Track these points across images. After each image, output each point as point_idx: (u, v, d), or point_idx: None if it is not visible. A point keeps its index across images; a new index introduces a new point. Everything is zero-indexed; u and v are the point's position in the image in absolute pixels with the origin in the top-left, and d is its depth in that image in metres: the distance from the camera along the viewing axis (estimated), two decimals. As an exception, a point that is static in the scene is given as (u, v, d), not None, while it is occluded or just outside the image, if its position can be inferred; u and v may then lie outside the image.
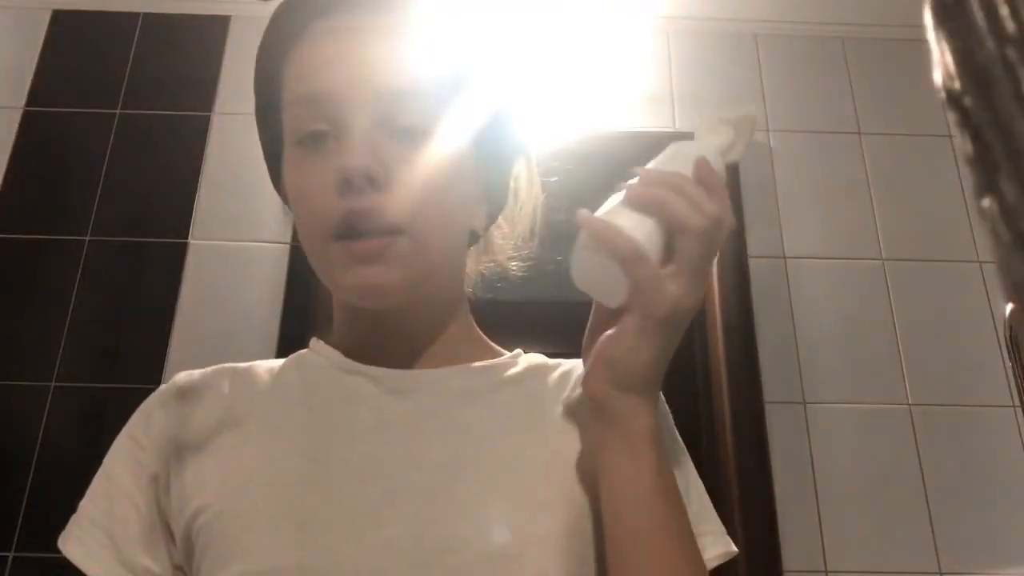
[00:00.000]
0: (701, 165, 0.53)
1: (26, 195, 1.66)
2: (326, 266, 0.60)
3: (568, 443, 0.60)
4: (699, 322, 1.65)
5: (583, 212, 0.53)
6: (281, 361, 0.67)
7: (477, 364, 0.64)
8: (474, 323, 0.70)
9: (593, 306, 0.58)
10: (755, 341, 1.58)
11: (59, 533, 0.62)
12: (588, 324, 0.58)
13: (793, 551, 1.44)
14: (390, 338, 0.64)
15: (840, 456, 1.52)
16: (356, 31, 0.60)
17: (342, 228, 0.56)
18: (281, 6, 0.63)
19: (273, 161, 0.67)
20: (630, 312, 0.52)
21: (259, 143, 0.69)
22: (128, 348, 1.55)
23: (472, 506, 0.55)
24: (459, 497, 0.55)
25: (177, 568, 0.59)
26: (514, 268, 0.75)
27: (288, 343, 1.54)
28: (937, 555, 1.46)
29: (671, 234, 0.52)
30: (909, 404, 1.57)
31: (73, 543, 0.60)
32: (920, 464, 1.52)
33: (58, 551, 0.60)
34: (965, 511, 1.49)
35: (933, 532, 1.47)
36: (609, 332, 0.53)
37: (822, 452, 1.52)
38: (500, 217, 0.71)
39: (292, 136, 0.60)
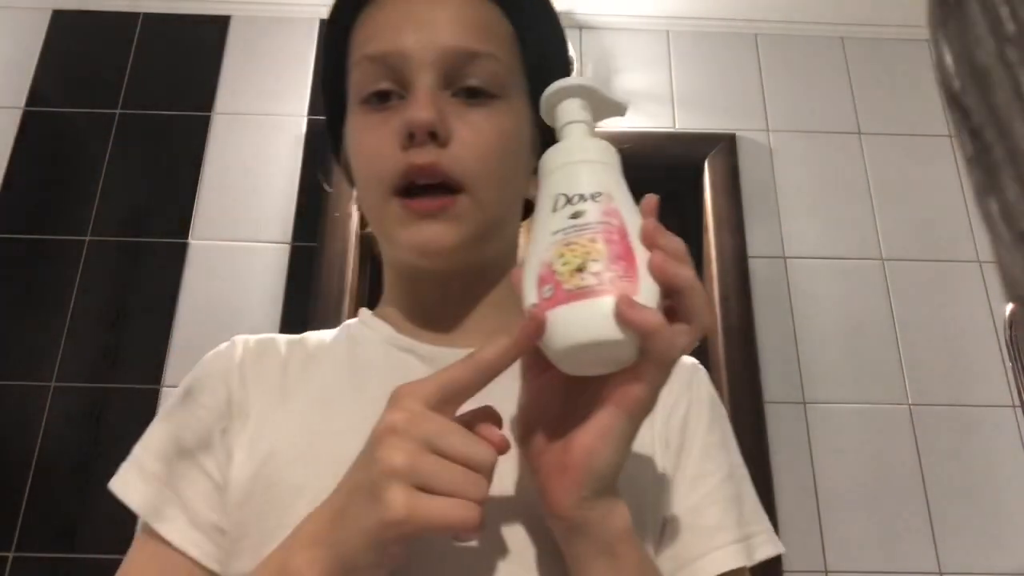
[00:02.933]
0: (651, 214, 0.46)
1: (26, 195, 1.66)
2: (384, 223, 0.60)
3: None
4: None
5: (529, 270, 0.45)
6: (332, 332, 0.67)
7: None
8: None
9: (527, 396, 0.48)
10: (755, 341, 1.58)
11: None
12: (522, 411, 0.48)
13: (793, 551, 1.44)
14: (438, 309, 0.64)
15: (840, 456, 1.52)
16: None
17: (402, 183, 0.58)
18: None
19: (334, 125, 0.68)
20: (614, 402, 0.44)
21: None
22: (128, 348, 1.55)
23: (522, 485, 0.54)
24: (508, 479, 0.54)
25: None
26: None
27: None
28: (937, 555, 1.46)
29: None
30: (909, 404, 1.57)
31: (137, 496, 0.58)
32: (920, 464, 1.52)
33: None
34: (965, 511, 1.49)
35: (933, 532, 1.47)
36: (583, 438, 0.45)
37: (822, 452, 1.52)
38: None
39: (358, 95, 0.61)
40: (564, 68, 0.70)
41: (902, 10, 1.78)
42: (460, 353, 0.60)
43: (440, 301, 0.63)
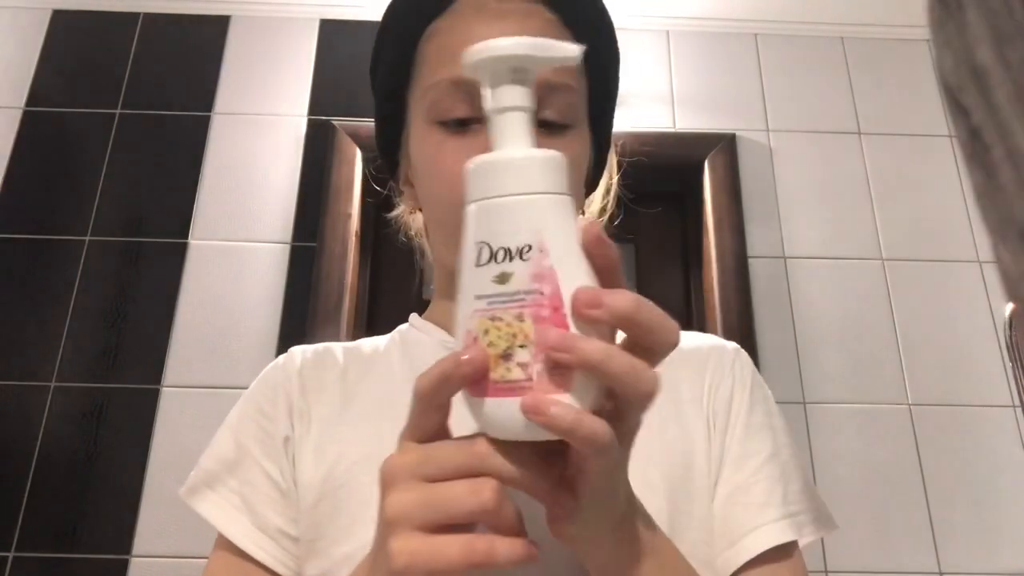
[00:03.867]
0: (593, 236, 0.38)
1: (26, 195, 1.66)
2: (454, 230, 0.58)
3: (673, 430, 0.60)
4: (699, 323, 1.65)
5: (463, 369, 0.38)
6: (385, 338, 0.70)
7: None
8: None
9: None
10: (755, 341, 1.58)
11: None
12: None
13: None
14: None
15: (840, 456, 1.52)
16: (508, 15, 0.59)
17: None
18: None
19: (392, 130, 0.68)
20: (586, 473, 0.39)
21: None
22: (128, 348, 1.55)
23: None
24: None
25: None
26: None
27: (288, 343, 1.54)
28: (937, 555, 1.46)
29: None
30: (909, 404, 1.57)
31: (207, 504, 0.60)
32: (920, 464, 1.52)
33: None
34: (965, 511, 1.49)
35: (933, 532, 1.47)
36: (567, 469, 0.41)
37: (822, 452, 1.52)
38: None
39: (432, 116, 0.61)
40: (616, 98, 0.70)
41: (902, 10, 1.79)
42: None
43: None
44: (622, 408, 0.38)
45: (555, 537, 0.42)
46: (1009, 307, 1.54)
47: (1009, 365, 1.57)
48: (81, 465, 1.46)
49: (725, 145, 1.73)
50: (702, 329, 1.64)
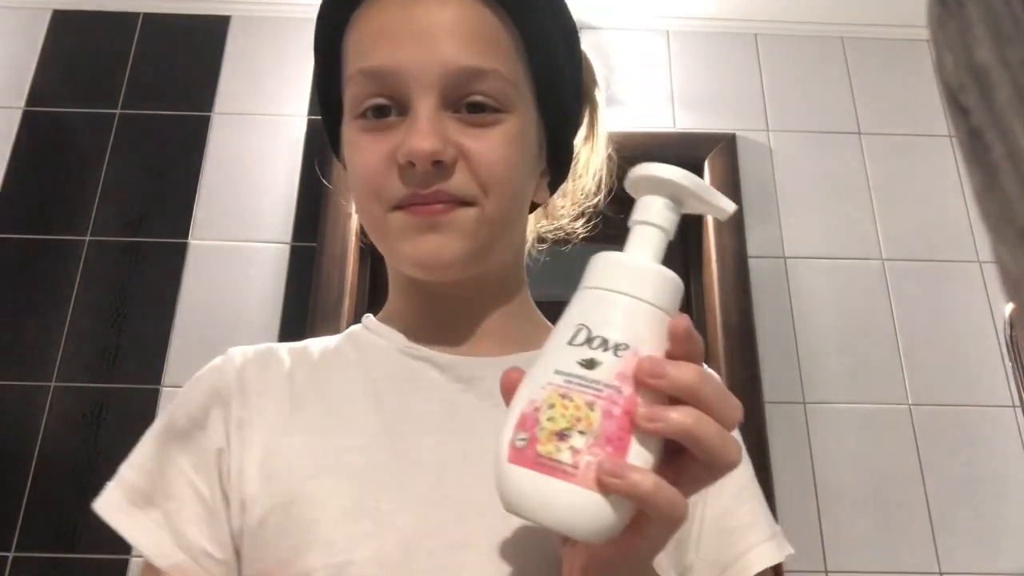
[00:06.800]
0: (680, 332, 0.39)
1: (26, 195, 1.66)
2: (385, 237, 0.58)
3: None
4: (699, 323, 1.65)
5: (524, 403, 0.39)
6: (335, 339, 0.65)
7: None
8: (533, 302, 0.68)
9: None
10: (755, 341, 1.58)
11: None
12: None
13: (793, 551, 1.44)
14: (451, 316, 0.62)
15: (840, 456, 1.52)
16: (425, 1, 0.57)
17: (404, 203, 0.56)
18: None
19: (332, 125, 0.65)
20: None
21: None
22: (128, 348, 1.55)
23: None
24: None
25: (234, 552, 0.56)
26: (580, 230, 0.73)
27: (288, 342, 1.54)
28: (937, 555, 1.46)
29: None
30: (909, 404, 1.57)
31: (120, 515, 0.55)
32: (920, 464, 1.52)
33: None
34: (965, 511, 1.49)
35: (933, 532, 1.47)
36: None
37: (822, 452, 1.52)
38: (564, 183, 0.69)
39: (353, 108, 0.58)
40: (575, 75, 0.66)
41: (902, 10, 1.78)
42: (478, 361, 0.60)
43: (450, 309, 0.62)
44: (645, 527, 0.38)
45: None
46: (1009, 307, 1.54)
47: (1009, 365, 1.57)
48: (81, 465, 1.45)
49: (725, 145, 1.73)
50: (702, 329, 1.64)
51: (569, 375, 0.38)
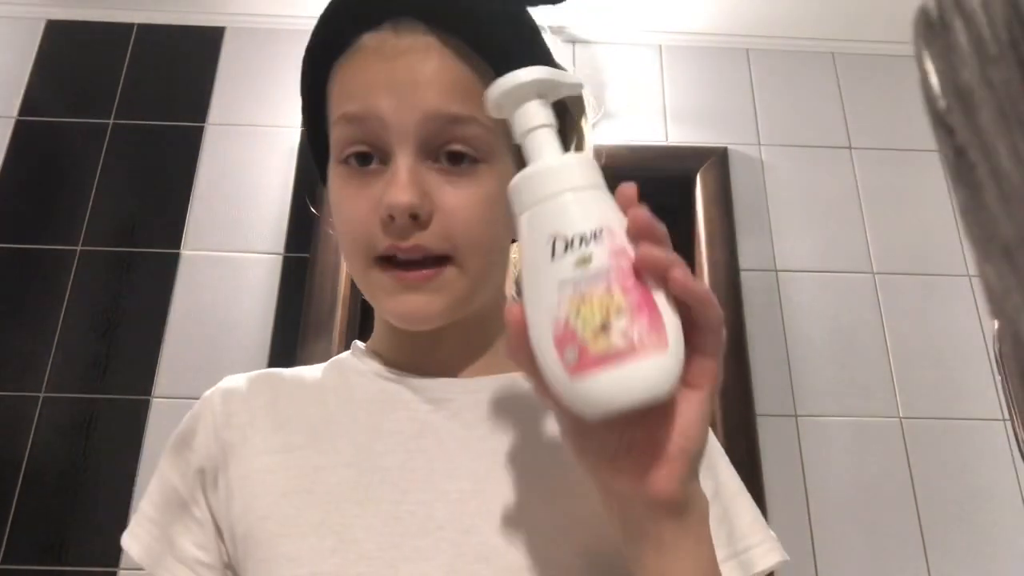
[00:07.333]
0: (630, 194, 0.42)
1: (18, 205, 1.65)
2: (369, 289, 0.60)
3: None
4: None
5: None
6: (323, 366, 0.68)
7: (517, 373, 0.64)
8: None
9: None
10: (746, 354, 1.58)
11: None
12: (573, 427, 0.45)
13: (785, 564, 1.44)
14: (428, 349, 0.64)
15: (831, 469, 1.52)
16: (406, 53, 0.57)
17: (384, 255, 0.57)
18: (329, 10, 0.61)
19: (321, 163, 0.67)
20: (693, 385, 0.43)
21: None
22: (119, 359, 1.54)
23: (505, 516, 0.55)
24: (493, 507, 0.55)
25: (227, 566, 0.60)
26: None
27: (280, 354, 1.54)
28: (928, 568, 1.46)
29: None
30: (900, 417, 1.57)
31: (133, 541, 0.61)
32: (911, 477, 1.53)
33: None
34: (956, 524, 1.49)
35: (924, 545, 1.47)
36: (677, 425, 0.43)
37: (813, 465, 1.52)
38: None
39: (337, 153, 0.60)
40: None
41: (892, 26, 1.80)
42: (449, 383, 0.62)
43: (427, 345, 0.64)
44: (701, 344, 0.42)
45: (664, 499, 0.43)
46: (996, 323, 1.55)
47: (999, 379, 1.58)
48: (70, 477, 1.44)
49: (717, 159, 1.74)
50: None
51: (574, 280, 0.40)
